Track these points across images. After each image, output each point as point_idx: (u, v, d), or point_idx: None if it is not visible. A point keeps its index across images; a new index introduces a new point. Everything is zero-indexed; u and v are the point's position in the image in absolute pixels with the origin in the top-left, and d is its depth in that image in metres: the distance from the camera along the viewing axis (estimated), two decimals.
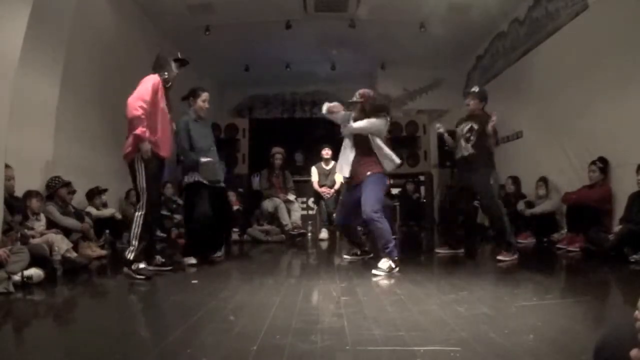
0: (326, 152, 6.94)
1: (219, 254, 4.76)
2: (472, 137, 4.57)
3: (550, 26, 5.95)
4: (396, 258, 3.73)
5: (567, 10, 5.58)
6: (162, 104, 3.74)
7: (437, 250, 5.06)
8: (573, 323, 2.18)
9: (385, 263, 3.66)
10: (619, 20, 4.64)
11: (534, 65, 6.45)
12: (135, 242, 3.56)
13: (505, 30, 7.30)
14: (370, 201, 3.81)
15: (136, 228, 3.59)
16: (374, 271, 3.60)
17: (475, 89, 4.77)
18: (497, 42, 7.67)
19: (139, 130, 3.47)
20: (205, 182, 4.26)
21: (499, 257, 4.27)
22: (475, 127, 4.56)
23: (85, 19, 5.12)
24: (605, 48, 4.86)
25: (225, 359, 1.72)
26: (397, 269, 3.68)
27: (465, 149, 4.63)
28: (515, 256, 4.28)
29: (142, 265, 3.54)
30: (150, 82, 3.64)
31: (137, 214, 3.63)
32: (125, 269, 3.55)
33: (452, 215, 5.10)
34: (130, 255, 3.53)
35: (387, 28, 7.47)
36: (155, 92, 3.63)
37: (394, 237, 6.58)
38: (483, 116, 4.56)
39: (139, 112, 3.48)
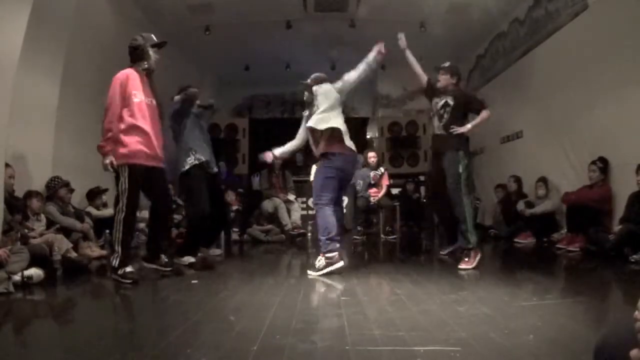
0: None
1: (217, 251, 4.76)
2: (445, 115, 4.14)
3: (550, 26, 5.95)
4: (333, 255, 3.50)
5: (567, 10, 5.58)
6: (139, 97, 3.49)
7: (441, 253, 4.66)
8: (573, 323, 2.18)
9: (319, 260, 3.55)
10: (619, 20, 4.64)
11: (534, 65, 6.45)
12: (118, 248, 3.39)
13: (505, 30, 7.30)
14: (314, 191, 3.76)
15: (117, 233, 3.40)
16: (308, 271, 3.54)
17: (446, 63, 4.36)
18: (497, 42, 7.68)
19: (102, 142, 3.38)
20: (203, 160, 4.20)
21: (461, 266, 3.77)
22: (451, 102, 4.13)
23: (85, 19, 5.12)
24: (605, 48, 4.86)
25: (225, 359, 1.72)
26: (338, 265, 3.49)
27: (438, 127, 4.21)
28: (478, 257, 3.82)
29: (128, 269, 3.36)
30: (114, 85, 3.46)
31: (116, 217, 3.42)
32: (113, 275, 3.43)
33: (436, 209, 4.70)
34: (115, 262, 3.36)
35: (387, 28, 7.44)
36: (123, 89, 3.43)
37: (393, 237, 6.74)
38: (459, 92, 4.20)
39: (106, 127, 3.37)
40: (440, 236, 4.91)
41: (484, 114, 4.05)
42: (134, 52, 3.57)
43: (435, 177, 4.33)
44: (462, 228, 3.97)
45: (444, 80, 4.26)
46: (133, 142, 3.42)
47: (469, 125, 4.05)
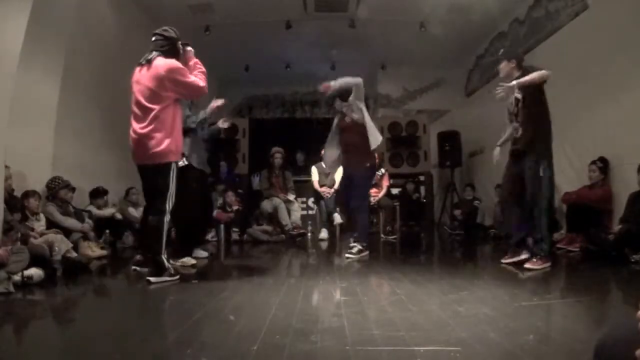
0: None
1: (204, 254, 4.59)
2: (518, 111, 3.82)
3: (550, 26, 5.95)
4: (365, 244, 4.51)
5: (567, 10, 5.58)
6: None
7: (502, 262, 4.03)
8: (573, 323, 2.18)
9: (354, 248, 4.48)
10: (619, 20, 4.64)
11: (533, 66, 6.43)
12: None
13: (505, 30, 7.30)
14: (364, 193, 4.65)
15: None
16: (347, 255, 4.44)
17: (500, 51, 3.99)
18: (497, 42, 7.67)
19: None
20: (195, 165, 4.22)
21: (526, 265, 3.72)
22: (520, 96, 3.71)
23: (86, 19, 5.13)
24: (605, 48, 4.86)
25: (225, 359, 1.72)
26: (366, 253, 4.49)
27: (515, 129, 3.88)
28: (546, 265, 3.72)
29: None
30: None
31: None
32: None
33: (510, 214, 4.19)
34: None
35: (387, 28, 7.47)
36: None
37: (393, 237, 6.75)
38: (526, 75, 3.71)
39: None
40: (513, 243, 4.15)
41: (541, 72, 3.66)
42: (172, 44, 3.58)
43: (512, 180, 4.05)
44: (537, 236, 3.77)
45: (503, 69, 4.03)
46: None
47: (514, 82, 3.64)
